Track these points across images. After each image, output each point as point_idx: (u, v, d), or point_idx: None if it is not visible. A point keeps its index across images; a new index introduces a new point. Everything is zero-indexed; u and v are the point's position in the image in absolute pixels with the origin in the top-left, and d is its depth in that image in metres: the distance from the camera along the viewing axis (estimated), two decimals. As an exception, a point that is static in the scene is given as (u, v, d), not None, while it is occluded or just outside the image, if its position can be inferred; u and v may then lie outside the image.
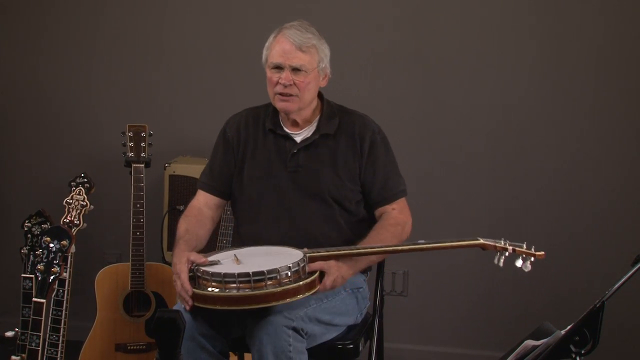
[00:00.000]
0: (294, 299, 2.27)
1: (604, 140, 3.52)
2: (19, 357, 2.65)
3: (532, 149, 3.59)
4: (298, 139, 2.61)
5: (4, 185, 4.04)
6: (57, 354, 2.96)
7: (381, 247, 2.46)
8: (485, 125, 3.62)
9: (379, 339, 2.64)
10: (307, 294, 2.30)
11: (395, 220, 2.57)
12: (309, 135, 2.61)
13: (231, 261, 2.40)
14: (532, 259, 2.32)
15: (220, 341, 2.41)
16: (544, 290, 3.59)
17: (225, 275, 2.27)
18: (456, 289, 3.69)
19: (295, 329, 2.30)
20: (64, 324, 2.99)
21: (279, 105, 2.55)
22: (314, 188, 2.56)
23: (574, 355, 1.79)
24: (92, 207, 2.97)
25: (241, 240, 2.67)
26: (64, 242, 2.51)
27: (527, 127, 3.58)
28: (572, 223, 3.56)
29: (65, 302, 2.97)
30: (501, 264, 2.34)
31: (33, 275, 2.66)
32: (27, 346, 2.55)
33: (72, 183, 2.98)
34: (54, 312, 2.94)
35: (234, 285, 2.25)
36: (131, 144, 3.27)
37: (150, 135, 3.30)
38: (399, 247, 2.47)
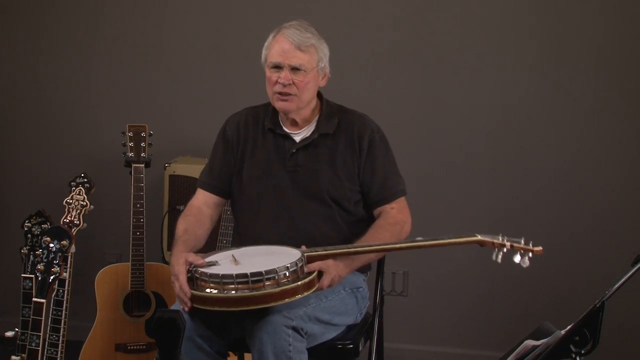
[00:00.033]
0: (292, 299, 2.26)
1: (604, 140, 3.52)
2: (19, 357, 2.65)
3: (532, 149, 3.59)
4: (297, 138, 2.61)
5: (4, 185, 4.04)
6: (57, 354, 2.96)
7: (379, 245, 2.45)
8: (485, 125, 3.62)
9: (378, 339, 2.64)
10: (305, 293, 2.30)
11: (394, 220, 2.57)
12: (308, 135, 2.61)
13: (229, 262, 2.39)
14: (530, 254, 2.32)
15: (217, 342, 2.41)
16: (544, 290, 3.59)
17: (224, 276, 2.26)
18: (456, 289, 3.69)
19: (295, 329, 2.30)
20: (64, 324, 2.99)
21: (278, 104, 2.55)
22: (312, 188, 2.57)
23: (574, 355, 1.79)
24: (92, 207, 2.97)
25: (241, 240, 2.67)
26: (64, 242, 2.51)
27: (527, 127, 3.58)
28: (572, 223, 3.56)
29: (65, 302, 2.97)
30: (499, 260, 2.34)
31: (33, 275, 2.66)
32: (27, 346, 2.55)
33: (72, 183, 2.98)
34: (54, 312, 2.94)
35: (232, 286, 2.25)
36: (131, 144, 3.27)
37: (150, 135, 3.30)
38: (397, 245, 2.47)
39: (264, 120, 2.64)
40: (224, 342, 2.44)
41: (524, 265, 2.32)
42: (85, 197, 2.95)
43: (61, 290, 2.95)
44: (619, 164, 3.52)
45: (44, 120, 3.96)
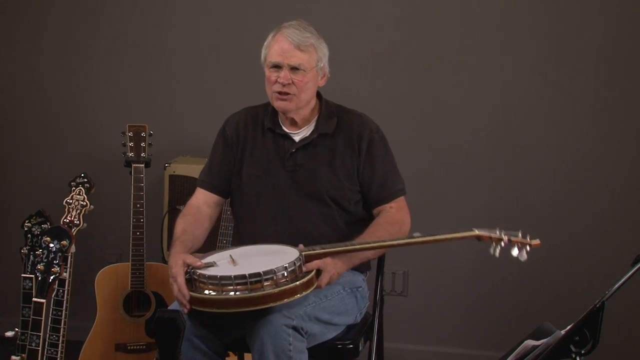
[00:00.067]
0: (291, 298, 2.26)
1: (604, 140, 3.52)
2: (19, 357, 2.65)
3: (532, 149, 3.59)
4: (297, 138, 2.61)
5: (4, 185, 4.04)
6: (57, 354, 2.96)
7: (376, 242, 2.45)
8: (485, 125, 3.62)
9: (378, 339, 2.64)
10: (304, 293, 2.29)
11: (393, 219, 2.57)
12: (307, 134, 2.61)
13: (227, 262, 2.39)
14: (528, 247, 2.33)
15: (214, 342, 2.41)
16: (544, 290, 3.59)
17: (222, 278, 2.26)
18: (456, 289, 3.69)
19: (295, 328, 2.29)
20: (64, 324, 2.99)
21: (277, 104, 2.55)
22: (311, 187, 2.57)
23: (574, 355, 1.79)
24: (92, 207, 2.97)
25: (240, 239, 2.67)
26: (64, 242, 2.51)
27: (527, 127, 3.58)
28: (572, 223, 3.56)
29: (65, 302, 2.96)
30: (497, 254, 2.34)
31: (33, 275, 2.66)
32: (27, 346, 2.55)
33: (72, 183, 2.98)
34: (54, 312, 2.94)
35: (231, 287, 2.24)
36: (131, 144, 3.27)
37: (150, 135, 3.30)
38: (395, 242, 2.47)
39: (264, 120, 2.64)
40: (222, 342, 2.43)
41: (522, 259, 2.32)
42: (85, 197, 2.95)
43: (61, 290, 2.95)
44: (619, 164, 3.52)
45: (44, 120, 3.96)
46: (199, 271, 2.32)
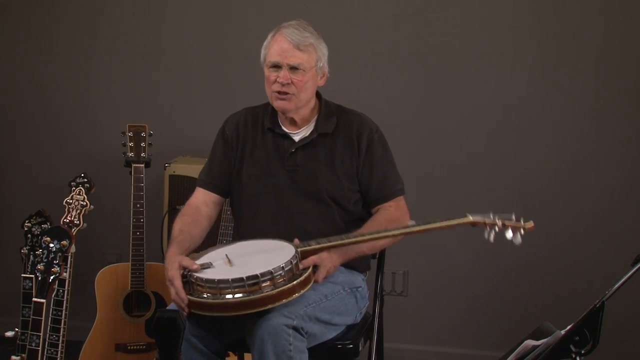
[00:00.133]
0: (289, 298, 2.26)
1: (604, 140, 3.52)
2: (19, 357, 2.65)
3: (532, 149, 3.59)
4: (296, 138, 2.61)
5: (4, 185, 4.04)
6: (57, 354, 2.96)
7: (371, 234, 2.44)
8: (485, 125, 3.62)
9: (378, 339, 2.64)
10: (302, 291, 2.29)
11: (391, 217, 2.57)
12: (307, 134, 2.61)
13: (223, 262, 2.38)
14: (522, 231, 2.33)
15: (213, 341, 2.41)
16: (544, 290, 3.59)
17: (220, 281, 2.25)
18: (456, 289, 3.69)
19: (295, 328, 2.29)
20: (64, 324, 2.99)
21: (277, 104, 2.55)
22: (311, 187, 2.57)
23: (574, 355, 1.79)
24: (92, 207, 2.97)
25: (240, 239, 2.66)
26: (64, 242, 2.51)
27: (527, 127, 3.58)
28: (572, 223, 3.56)
29: (65, 302, 2.96)
30: (492, 239, 2.34)
31: (33, 275, 2.66)
32: (27, 346, 2.55)
33: (72, 183, 2.98)
34: (54, 312, 2.94)
35: (229, 290, 2.24)
36: (131, 144, 3.27)
37: (150, 135, 3.30)
38: (390, 233, 2.45)
39: (263, 119, 2.65)
40: (221, 342, 2.43)
41: (517, 243, 2.32)
42: (85, 197, 2.95)
43: (61, 290, 2.95)
44: (619, 164, 3.52)
45: (44, 120, 3.96)
46: (196, 274, 2.31)
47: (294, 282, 2.27)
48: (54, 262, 2.49)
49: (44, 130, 3.97)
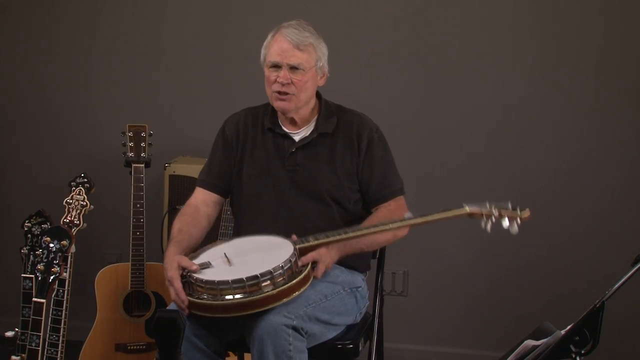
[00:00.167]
0: (289, 297, 2.26)
1: (604, 140, 3.52)
2: (19, 357, 2.65)
3: (532, 149, 3.59)
4: (296, 138, 2.61)
5: (4, 185, 4.04)
6: (57, 354, 2.96)
7: (368, 228, 2.44)
8: (485, 125, 3.62)
9: (378, 339, 2.64)
10: (302, 289, 2.30)
11: (390, 214, 2.57)
12: (307, 134, 2.61)
13: (222, 262, 2.38)
14: (519, 220, 2.33)
15: (214, 340, 2.41)
16: (544, 290, 3.59)
17: (219, 283, 2.25)
18: (456, 289, 3.69)
19: (295, 328, 2.29)
20: (64, 324, 2.99)
21: (277, 104, 2.55)
22: (311, 187, 2.57)
23: (574, 355, 1.79)
24: (92, 207, 2.97)
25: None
26: (64, 242, 2.50)
27: (527, 127, 3.58)
28: (572, 223, 3.56)
29: (65, 302, 2.96)
30: (489, 229, 2.35)
31: (33, 275, 2.66)
32: (27, 346, 2.54)
33: (72, 183, 2.98)
34: (54, 312, 2.94)
35: (229, 291, 2.24)
36: (131, 144, 3.27)
37: (150, 135, 3.30)
38: (386, 227, 2.44)
39: (263, 120, 2.65)
40: (221, 341, 2.43)
41: (513, 232, 2.33)
42: (85, 197, 2.95)
43: (61, 290, 2.95)
44: (619, 164, 3.52)
45: (44, 120, 3.96)
46: (195, 275, 2.31)
47: (294, 281, 2.27)
48: (54, 262, 2.49)
49: (44, 130, 3.97)
